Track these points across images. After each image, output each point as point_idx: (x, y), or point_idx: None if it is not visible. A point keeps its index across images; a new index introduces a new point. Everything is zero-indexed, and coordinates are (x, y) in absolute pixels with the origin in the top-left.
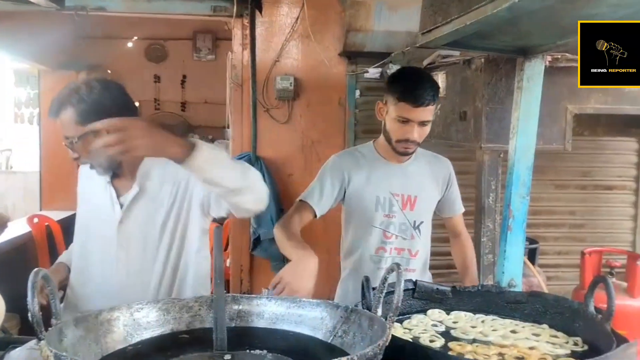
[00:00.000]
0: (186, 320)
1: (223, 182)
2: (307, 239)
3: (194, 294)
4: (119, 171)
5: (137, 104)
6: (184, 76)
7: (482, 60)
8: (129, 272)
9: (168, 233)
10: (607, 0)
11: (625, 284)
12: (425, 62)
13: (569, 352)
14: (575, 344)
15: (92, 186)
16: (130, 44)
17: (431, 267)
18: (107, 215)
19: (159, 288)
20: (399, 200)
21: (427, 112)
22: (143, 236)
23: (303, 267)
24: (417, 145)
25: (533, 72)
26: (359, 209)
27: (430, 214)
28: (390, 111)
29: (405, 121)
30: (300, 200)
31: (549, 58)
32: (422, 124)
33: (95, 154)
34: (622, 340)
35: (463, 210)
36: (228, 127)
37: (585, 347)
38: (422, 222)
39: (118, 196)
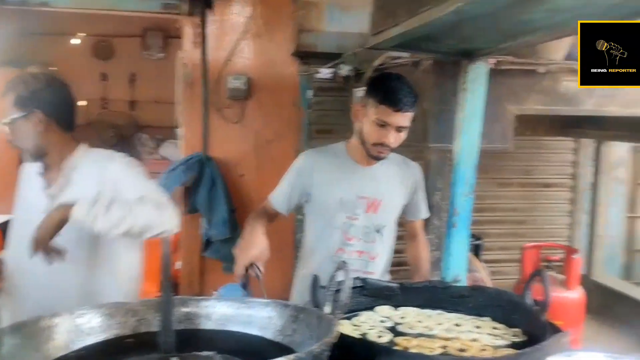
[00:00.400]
0: (132, 325)
1: (102, 231)
2: None
3: (125, 289)
4: (49, 162)
5: (84, 102)
6: (133, 74)
7: (430, 62)
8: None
9: None
10: (542, 7)
11: (562, 277)
12: (375, 63)
13: (509, 342)
14: (515, 335)
15: (28, 180)
16: (76, 41)
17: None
18: (36, 206)
19: (88, 278)
20: (363, 203)
21: (406, 118)
22: (67, 226)
23: (249, 238)
24: (391, 150)
25: (476, 75)
26: (321, 208)
27: (394, 218)
28: (369, 114)
29: (383, 125)
30: (267, 199)
31: (493, 60)
32: (399, 129)
33: (21, 138)
34: (556, 330)
35: (427, 215)
36: (178, 127)
37: (525, 338)
38: (384, 227)
39: (48, 187)
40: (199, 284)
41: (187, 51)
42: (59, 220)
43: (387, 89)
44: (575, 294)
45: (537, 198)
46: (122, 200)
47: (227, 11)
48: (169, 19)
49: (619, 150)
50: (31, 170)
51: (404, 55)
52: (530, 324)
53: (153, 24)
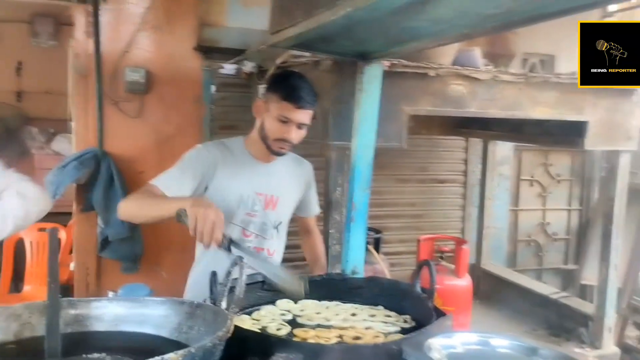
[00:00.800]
0: (14, 330)
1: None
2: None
3: None
4: None
5: None
6: (20, 63)
7: (330, 62)
8: None
9: None
10: (423, 17)
11: (453, 266)
12: (277, 61)
13: (399, 329)
14: (405, 322)
15: None
16: None
17: (283, 260)
18: None
19: None
20: (262, 199)
21: (307, 116)
22: None
23: (203, 200)
24: (291, 146)
25: (371, 76)
26: (220, 204)
27: (290, 214)
28: (271, 110)
29: (285, 121)
30: (149, 183)
31: (387, 63)
32: (300, 126)
33: None
34: (441, 314)
35: (319, 212)
36: (71, 120)
37: (414, 324)
38: (281, 223)
39: None
40: (95, 286)
41: (80, 41)
42: None
43: (289, 86)
44: (464, 282)
45: (433, 193)
46: None
47: (123, 0)
48: (60, 5)
49: (503, 149)
50: None
51: (306, 54)
52: (420, 311)
53: (43, 10)
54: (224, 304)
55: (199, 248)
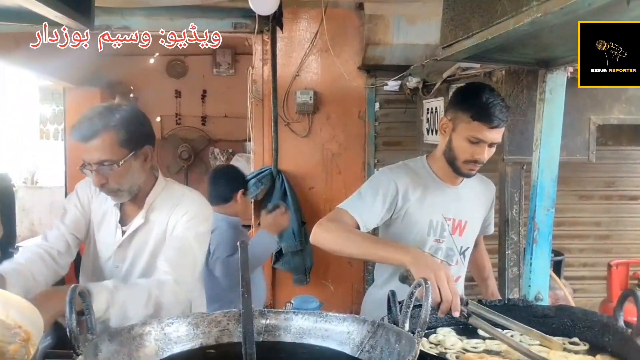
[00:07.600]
0: (215, 335)
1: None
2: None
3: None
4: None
5: (158, 119)
6: (204, 91)
7: (503, 72)
8: None
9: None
10: (628, 13)
11: None
12: (445, 75)
13: None
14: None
15: (101, 203)
16: (151, 60)
17: None
18: (109, 236)
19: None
20: (450, 224)
21: (499, 134)
22: (137, 261)
23: (422, 253)
24: (481, 166)
25: (555, 84)
26: (409, 230)
27: (475, 239)
28: (460, 130)
29: (476, 142)
30: (341, 210)
31: (570, 69)
32: (492, 145)
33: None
34: None
35: (492, 231)
36: (249, 141)
37: None
38: (467, 248)
39: (124, 221)
40: (271, 295)
41: (257, 68)
42: None
43: (480, 104)
44: None
45: (623, 211)
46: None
47: (295, 28)
48: (238, 37)
49: None
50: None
51: (475, 66)
52: (623, 348)
53: (223, 42)
54: (406, 326)
55: (383, 271)
